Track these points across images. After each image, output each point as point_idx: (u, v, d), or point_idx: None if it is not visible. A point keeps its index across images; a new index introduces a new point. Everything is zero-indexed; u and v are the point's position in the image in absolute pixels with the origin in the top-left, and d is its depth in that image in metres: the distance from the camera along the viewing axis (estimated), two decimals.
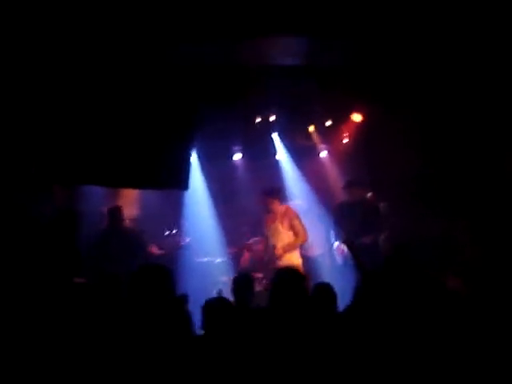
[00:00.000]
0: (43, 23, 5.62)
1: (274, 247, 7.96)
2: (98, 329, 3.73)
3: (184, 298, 4.42)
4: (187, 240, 9.02)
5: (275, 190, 8.28)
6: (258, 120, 9.18)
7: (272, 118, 9.15)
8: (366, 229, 7.78)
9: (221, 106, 7.96)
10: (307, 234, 8.00)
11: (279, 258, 7.85)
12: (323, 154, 9.98)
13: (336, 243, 8.34)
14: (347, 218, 8.16)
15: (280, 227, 8.01)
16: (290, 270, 4.37)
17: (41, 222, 5.84)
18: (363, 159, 9.40)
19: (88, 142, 6.69)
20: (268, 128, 9.48)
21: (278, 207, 8.09)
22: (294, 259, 7.84)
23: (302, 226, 7.99)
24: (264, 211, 8.25)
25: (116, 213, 8.09)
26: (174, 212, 9.30)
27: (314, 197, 9.65)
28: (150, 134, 6.86)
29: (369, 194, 8.62)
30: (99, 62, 6.31)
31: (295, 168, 9.82)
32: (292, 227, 7.97)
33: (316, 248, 9.06)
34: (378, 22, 6.02)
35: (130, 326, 3.60)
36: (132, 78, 6.62)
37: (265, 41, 6.05)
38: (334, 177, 9.68)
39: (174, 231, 9.05)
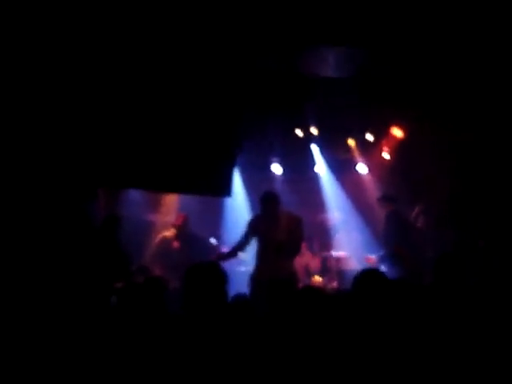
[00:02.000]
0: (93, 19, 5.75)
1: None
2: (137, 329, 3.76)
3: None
4: (225, 250, 9.06)
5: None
6: (299, 132, 9.21)
7: (313, 130, 9.17)
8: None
9: (262, 115, 8.03)
10: None
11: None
12: (362, 167, 9.95)
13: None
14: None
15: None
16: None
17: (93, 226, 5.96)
18: (401, 175, 9.41)
19: (133, 147, 6.79)
20: (308, 140, 9.50)
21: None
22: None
23: None
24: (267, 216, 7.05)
25: (186, 220, 8.22)
26: (213, 221, 9.37)
27: (351, 210, 9.67)
28: (195, 139, 6.92)
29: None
30: (148, 66, 6.40)
31: (334, 181, 9.84)
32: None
33: (353, 261, 9.03)
34: (428, 38, 6.06)
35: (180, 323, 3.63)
36: (179, 81, 6.68)
37: (316, 52, 6.12)
38: (373, 191, 9.66)
39: (212, 240, 9.09)
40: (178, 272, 7.04)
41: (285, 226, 6.85)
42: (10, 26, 5.45)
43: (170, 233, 8.23)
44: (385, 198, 8.32)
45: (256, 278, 6.89)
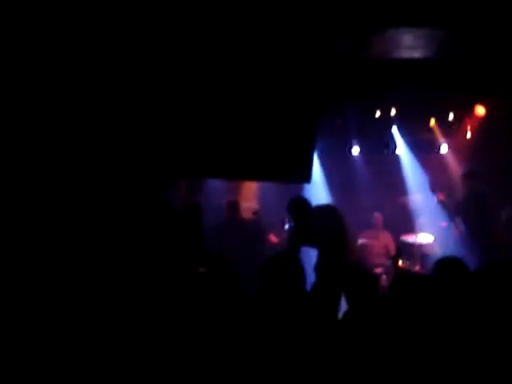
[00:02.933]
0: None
1: None
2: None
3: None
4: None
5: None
6: (378, 114, 9.08)
7: (393, 112, 9.02)
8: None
9: (341, 98, 7.94)
10: None
11: None
12: (444, 148, 9.73)
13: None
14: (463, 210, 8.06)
15: None
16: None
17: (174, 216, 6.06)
18: (485, 154, 9.15)
19: (213, 135, 6.81)
20: (388, 122, 9.36)
21: None
22: None
23: None
24: None
25: (234, 206, 8.31)
26: None
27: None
28: (273, 125, 6.87)
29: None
30: (226, 52, 6.39)
31: (415, 162, 9.65)
32: None
33: (436, 246, 8.84)
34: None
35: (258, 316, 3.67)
36: (255, 68, 6.64)
37: (394, 33, 5.99)
38: (455, 172, 9.42)
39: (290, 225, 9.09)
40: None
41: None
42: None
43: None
44: (468, 175, 8.13)
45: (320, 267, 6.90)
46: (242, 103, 6.85)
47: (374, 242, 9.16)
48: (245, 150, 6.91)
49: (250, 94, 6.84)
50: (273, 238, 8.56)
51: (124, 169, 6.27)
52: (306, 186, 9.11)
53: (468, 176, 8.10)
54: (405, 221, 9.25)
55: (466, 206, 7.93)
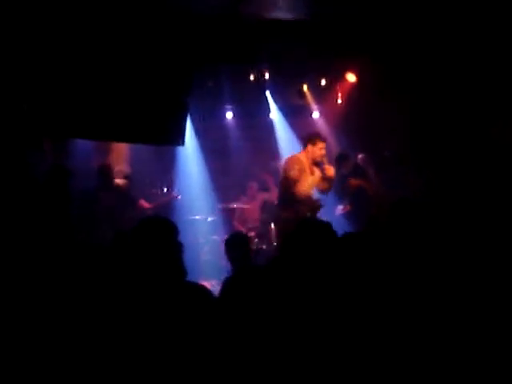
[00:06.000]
0: None
1: None
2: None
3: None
4: (178, 197, 8.94)
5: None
6: (252, 78, 9.02)
7: (266, 76, 9.00)
8: None
9: (214, 62, 7.83)
10: None
11: None
12: (316, 114, 9.89)
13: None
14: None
15: None
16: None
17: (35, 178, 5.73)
18: (355, 119, 9.38)
19: (81, 96, 6.57)
20: (261, 86, 9.33)
21: None
22: None
23: None
24: None
25: (106, 170, 7.95)
26: (164, 169, 9.22)
27: None
28: (147, 88, 6.76)
29: (360, 156, 8.65)
30: (97, 14, 6.15)
31: (288, 127, 9.73)
32: None
33: None
34: None
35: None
36: (129, 31, 6.47)
37: None
38: (327, 137, 9.57)
39: (164, 188, 8.96)
40: None
41: None
42: None
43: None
44: (340, 157, 8.35)
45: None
46: (114, 66, 6.68)
47: (248, 208, 9.27)
48: (117, 111, 6.77)
49: (122, 57, 6.69)
50: (144, 204, 8.35)
51: None
52: (180, 149, 8.99)
53: (340, 159, 8.33)
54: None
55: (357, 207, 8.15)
